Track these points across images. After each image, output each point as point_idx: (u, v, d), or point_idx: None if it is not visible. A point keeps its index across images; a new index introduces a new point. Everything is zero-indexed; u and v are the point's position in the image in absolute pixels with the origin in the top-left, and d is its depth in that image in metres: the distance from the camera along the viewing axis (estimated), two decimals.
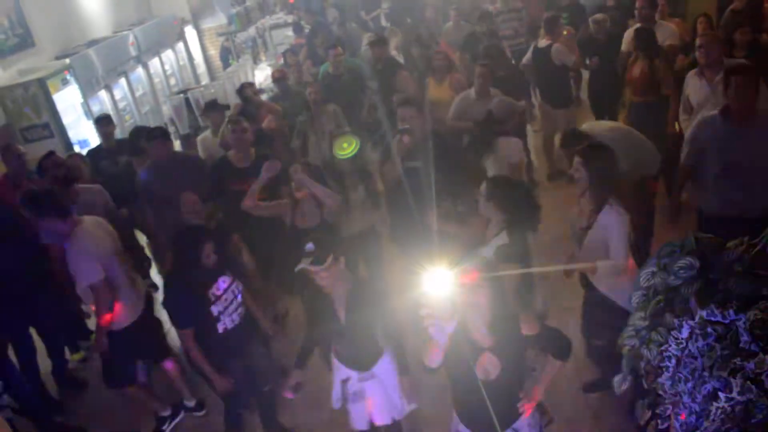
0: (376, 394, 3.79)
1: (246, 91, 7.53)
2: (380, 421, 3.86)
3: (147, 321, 4.70)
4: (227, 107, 7.24)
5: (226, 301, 4.06)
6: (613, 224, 3.70)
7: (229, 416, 4.44)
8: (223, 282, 4.06)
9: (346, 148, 4.97)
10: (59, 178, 5.29)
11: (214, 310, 4.01)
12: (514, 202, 3.82)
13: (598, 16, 8.00)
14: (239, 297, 4.16)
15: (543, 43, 7.67)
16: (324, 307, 3.64)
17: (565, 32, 8.06)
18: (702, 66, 5.46)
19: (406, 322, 3.66)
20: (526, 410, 3.07)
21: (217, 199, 5.41)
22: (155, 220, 5.75)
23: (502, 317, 2.90)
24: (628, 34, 7.20)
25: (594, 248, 3.79)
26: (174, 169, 5.55)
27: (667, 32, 7.08)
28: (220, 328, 4.05)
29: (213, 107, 6.99)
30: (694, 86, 5.53)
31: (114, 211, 5.53)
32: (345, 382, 3.85)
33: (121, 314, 4.41)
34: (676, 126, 5.74)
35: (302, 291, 4.23)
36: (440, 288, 2.80)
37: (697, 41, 5.56)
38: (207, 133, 6.92)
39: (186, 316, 4.02)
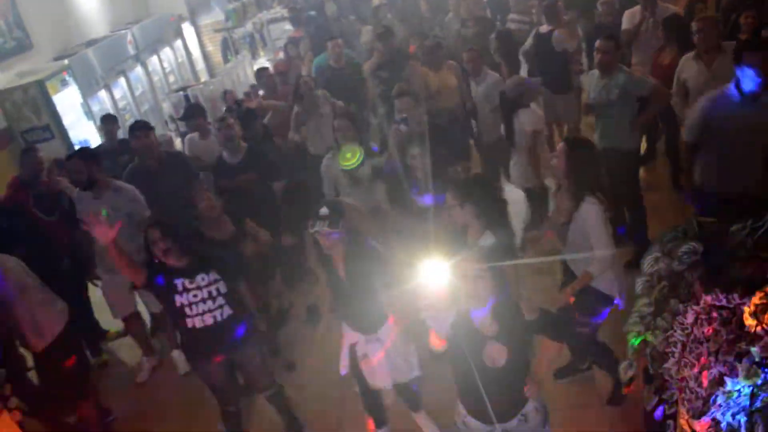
0: (380, 357, 3.91)
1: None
2: (381, 383, 4.00)
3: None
4: (202, 110, 7.20)
5: (196, 297, 3.96)
6: (590, 215, 3.70)
7: (222, 412, 4.44)
8: (201, 279, 3.97)
9: (350, 158, 4.98)
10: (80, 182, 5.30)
11: (177, 300, 3.96)
12: (487, 202, 3.83)
13: None
14: (218, 301, 4.01)
15: (544, 28, 7.63)
16: (330, 267, 3.83)
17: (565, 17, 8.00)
18: (699, 50, 5.43)
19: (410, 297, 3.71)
20: (532, 393, 3.08)
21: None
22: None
23: (505, 304, 2.92)
24: (630, 13, 7.18)
25: (577, 243, 3.78)
26: (160, 166, 5.59)
27: (667, 14, 7.02)
28: (189, 323, 4.02)
29: (189, 115, 7.00)
30: (690, 70, 5.49)
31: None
32: (354, 345, 3.98)
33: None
34: None
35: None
36: (438, 279, 2.92)
37: (695, 25, 5.51)
38: (194, 134, 6.86)
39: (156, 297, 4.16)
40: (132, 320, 5.58)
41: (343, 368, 4.08)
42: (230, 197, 4.98)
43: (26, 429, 4.11)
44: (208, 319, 4.01)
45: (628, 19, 7.22)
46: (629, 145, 5.29)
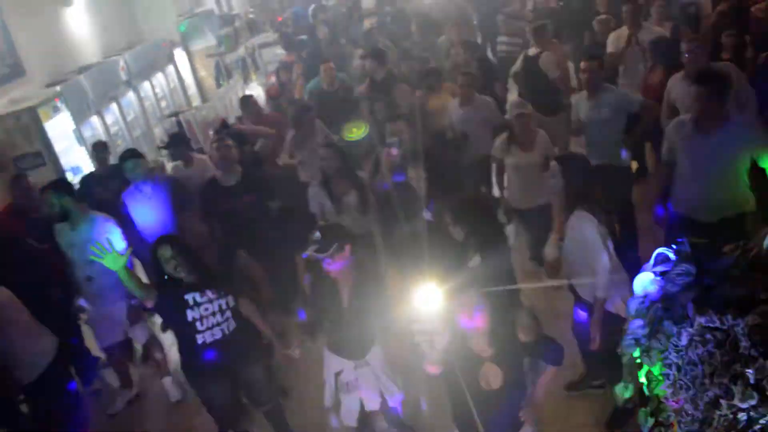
0: (370, 380, 3.92)
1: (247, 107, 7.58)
2: (372, 406, 3.99)
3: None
4: (186, 139, 7.22)
5: (207, 311, 4.04)
6: (584, 230, 3.71)
7: None
8: (211, 293, 4.05)
9: (355, 131, 5.03)
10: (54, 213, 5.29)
11: (189, 314, 4.02)
12: (480, 224, 3.83)
13: (602, 16, 8.04)
14: (226, 314, 4.10)
15: (533, 51, 7.71)
16: (328, 292, 3.81)
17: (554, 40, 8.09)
18: (688, 71, 5.49)
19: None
20: (528, 417, 3.06)
21: (209, 220, 5.43)
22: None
23: (501, 327, 2.91)
24: (615, 36, 7.26)
25: (574, 258, 3.79)
26: (153, 191, 5.61)
27: (652, 36, 7.10)
28: (199, 339, 4.05)
29: (171, 143, 7.01)
30: (679, 90, 5.55)
31: None
32: (338, 374, 3.97)
33: None
34: None
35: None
36: (431, 303, 2.89)
37: (685, 46, 5.59)
38: (179, 162, 6.84)
39: (165, 316, 4.23)
40: (117, 350, 5.52)
41: (329, 399, 4.08)
42: (224, 220, 4.96)
43: None
44: (218, 333, 4.09)
45: (613, 42, 7.32)
46: (619, 162, 5.33)
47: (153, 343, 5.59)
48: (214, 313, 4.06)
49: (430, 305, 2.95)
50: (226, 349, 4.10)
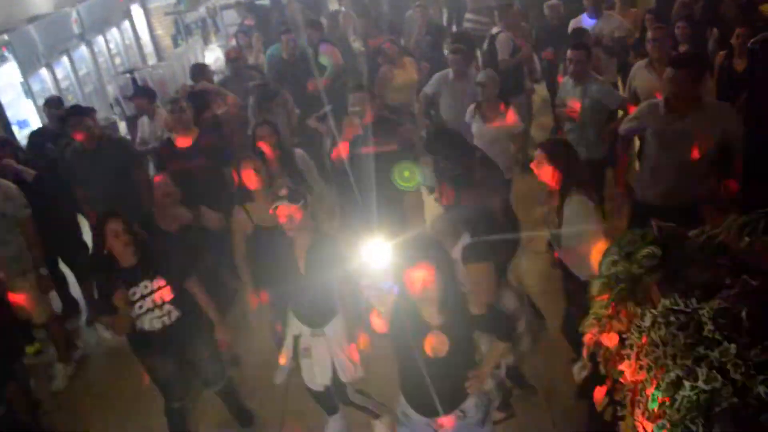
0: (323, 353, 3.88)
1: (200, 75, 7.36)
2: (320, 380, 3.94)
3: None
4: (153, 93, 7.03)
5: (141, 308, 3.83)
6: (580, 213, 3.72)
7: (167, 408, 4.29)
8: (145, 287, 3.82)
9: (408, 178, 4.88)
10: None
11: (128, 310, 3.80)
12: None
13: (553, 1, 8.03)
14: (165, 307, 3.89)
15: (495, 30, 7.69)
16: (286, 256, 3.74)
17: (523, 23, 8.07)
18: (653, 59, 5.54)
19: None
20: (473, 388, 3.08)
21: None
22: (84, 201, 5.63)
23: (452, 297, 2.91)
24: (574, 22, 7.31)
25: (572, 244, 3.78)
26: (99, 151, 5.41)
27: (614, 24, 7.16)
28: (138, 326, 3.88)
29: (137, 93, 6.97)
30: (642, 78, 5.61)
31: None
32: (297, 337, 3.94)
33: None
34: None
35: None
36: (379, 259, 2.99)
37: (650, 34, 5.63)
38: (144, 117, 6.72)
39: (101, 304, 3.92)
40: (52, 325, 5.36)
41: (283, 358, 4.02)
42: (179, 183, 4.81)
43: None
44: (157, 324, 3.89)
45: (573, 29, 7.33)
46: (596, 155, 5.33)
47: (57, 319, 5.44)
48: (150, 309, 3.85)
49: (378, 261, 2.98)
50: (169, 338, 3.94)
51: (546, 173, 3.82)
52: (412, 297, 2.89)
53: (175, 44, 12.15)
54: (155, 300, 3.85)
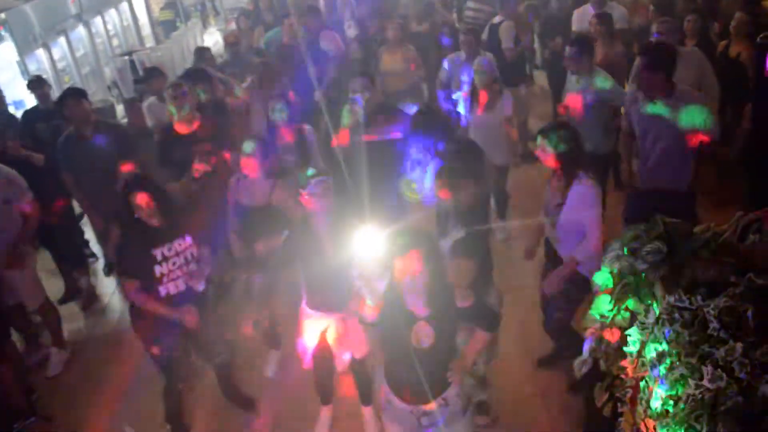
0: (343, 333, 3.93)
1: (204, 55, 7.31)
2: (341, 357, 4.02)
3: None
4: (163, 73, 6.96)
5: (174, 264, 3.91)
6: (585, 198, 3.71)
7: (168, 391, 4.28)
8: (178, 245, 3.92)
9: (416, 189, 4.87)
10: None
11: (157, 270, 3.88)
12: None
13: None
14: (192, 265, 3.98)
15: (497, 19, 7.63)
16: (310, 242, 3.77)
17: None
18: None
19: None
20: (455, 378, 3.11)
21: (166, 169, 5.23)
22: (75, 187, 5.56)
23: (439, 289, 2.93)
24: (579, 14, 7.25)
25: (569, 225, 3.77)
26: (95, 138, 5.34)
27: (616, 15, 7.10)
28: (162, 291, 3.91)
29: (153, 73, 6.84)
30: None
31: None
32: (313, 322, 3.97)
33: None
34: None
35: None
36: (371, 249, 2.99)
37: (656, 27, 5.57)
38: (153, 98, 6.64)
39: (128, 267, 3.96)
40: (44, 310, 5.32)
41: (308, 361, 4.05)
42: (183, 168, 4.79)
43: None
44: (182, 285, 3.95)
45: (578, 20, 7.27)
46: (601, 150, 5.28)
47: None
48: (181, 266, 3.93)
49: (369, 250, 2.99)
50: (187, 300, 3.97)
51: (550, 158, 3.80)
52: (399, 287, 2.92)
53: (173, 27, 12.02)
54: (186, 257, 3.94)
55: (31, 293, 5.12)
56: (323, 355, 4.03)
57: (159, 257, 3.87)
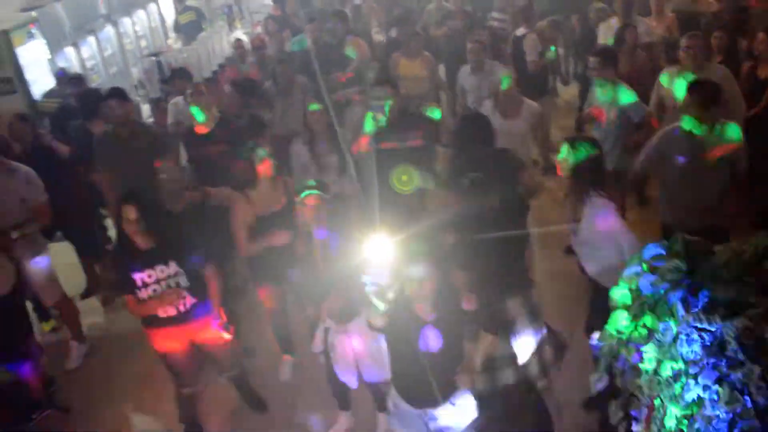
0: (345, 350, 3.85)
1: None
2: (345, 379, 3.91)
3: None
4: (190, 74, 7.05)
5: (155, 292, 3.83)
6: (602, 213, 3.67)
7: (178, 397, 4.31)
8: (160, 271, 3.82)
9: (406, 182, 4.87)
10: None
11: (141, 293, 3.84)
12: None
13: (597, 4, 7.95)
14: (182, 293, 3.89)
15: (520, 31, 7.62)
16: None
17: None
18: (684, 66, 5.45)
19: None
20: (463, 381, 3.12)
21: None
22: (109, 186, 5.62)
23: (446, 293, 2.97)
24: (605, 27, 7.22)
25: (591, 240, 3.74)
26: (131, 138, 5.40)
27: (642, 28, 7.06)
28: (152, 310, 3.91)
29: (178, 74, 6.92)
30: (674, 86, 5.51)
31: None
32: (327, 329, 3.92)
33: None
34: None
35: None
36: (382, 256, 3.00)
37: (684, 41, 5.52)
38: (179, 98, 6.73)
39: (124, 283, 3.89)
40: (62, 305, 5.40)
41: (316, 347, 4.01)
42: (201, 168, 4.83)
43: None
44: (171, 310, 3.91)
45: (603, 33, 7.24)
46: (619, 165, 5.24)
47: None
48: (167, 293, 3.86)
49: (380, 256, 3.00)
50: (183, 322, 3.96)
51: (567, 168, 3.78)
52: (408, 292, 2.95)
53: (196, 29, 12.07)
54: (169, 284, 3.86)
55: (47, 289, 5.19)
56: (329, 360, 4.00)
57: (139, 283, 3.81)
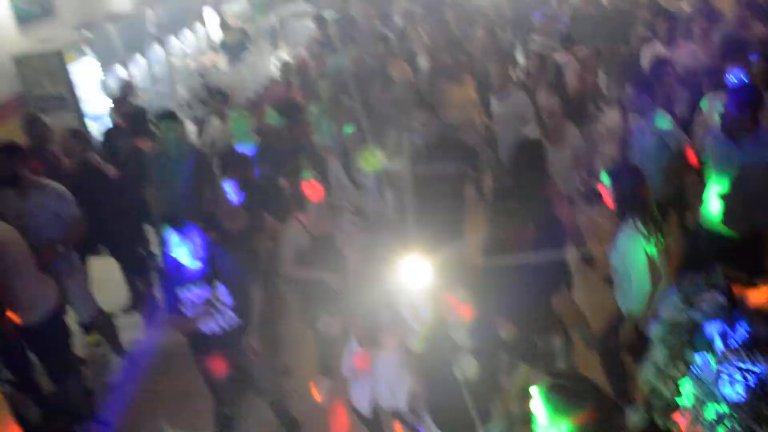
0: (367, 375, 3.80)
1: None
2: (358, 404, 3.86)
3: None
4: (226, 95, 7.20)
5: (200, 310, 3.95)
6: (629, 245, 3.65)
7: (216, 414, 4.37)
8: (206, 290, 3.92)
9: (371, 160, 5.00)
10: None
11: (186, 310, 3.95)
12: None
13: (640, 29, 7.96)
14: (227, 313, 3.99)
15: (562, 57, 7.64)
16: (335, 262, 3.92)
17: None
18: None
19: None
20: (498, 411, 3.10)
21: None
22: (156, 203, 5.78)
23: (483, 322, 2.96)
24: (648, 49, 7.19)
25: (618, 269, 3.72)
26: (179, 157, 5.53)
27: (685, 54, 7.01)
28: (197, 328, 4.01)
29: (216, 95, 7.16)
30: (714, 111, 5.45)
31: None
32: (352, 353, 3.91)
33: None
34: None
35: None
36: (419, 278, 3.03)
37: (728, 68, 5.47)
38: (216, 119, 6.88)
39: (169, 301, 4.01)
40: (98, 322, 5.54)
41: (346, 370, 4.00)
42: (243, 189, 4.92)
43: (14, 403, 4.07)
44: (216, 327, 3.98)
45: (647, 58, 7.20)
46: (659, 192, 5.18)
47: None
48: (211, 312, 3.96)
49: (417, 280, 3.01)
50: (226, 343, 4.04)
51: (610, 196, 3.77)
52: (446, 319, 2.95)
53: (240, 50, 12.33)
54: (215, 305, 3.92)
55: (83, 306, 5.31)
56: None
57: (184, 300, 3.95)
